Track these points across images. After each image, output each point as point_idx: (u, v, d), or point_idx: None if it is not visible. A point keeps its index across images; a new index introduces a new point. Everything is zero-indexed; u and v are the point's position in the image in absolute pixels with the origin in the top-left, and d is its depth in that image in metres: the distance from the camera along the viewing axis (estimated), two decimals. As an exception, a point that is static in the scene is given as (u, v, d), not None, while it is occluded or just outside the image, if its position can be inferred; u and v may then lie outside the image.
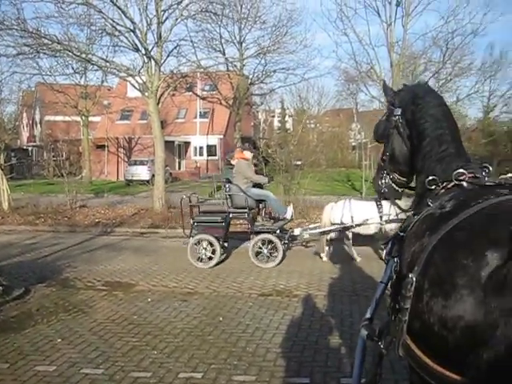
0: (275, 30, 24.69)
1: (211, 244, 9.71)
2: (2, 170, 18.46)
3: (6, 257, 10.17)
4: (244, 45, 27.56)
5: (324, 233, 10.07)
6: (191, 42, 19.99)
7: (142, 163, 32.77)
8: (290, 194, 15.87)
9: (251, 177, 10.27)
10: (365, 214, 9.64)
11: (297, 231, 10.27)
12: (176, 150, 41.39)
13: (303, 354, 5.28)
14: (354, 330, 5.58)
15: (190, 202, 10.29)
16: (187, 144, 42.87)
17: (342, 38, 22.83)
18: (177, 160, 41.97)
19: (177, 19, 17.54)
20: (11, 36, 15.79)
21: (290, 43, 24.66)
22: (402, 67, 22.91)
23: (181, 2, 16.98)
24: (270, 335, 5.87)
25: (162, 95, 18.14)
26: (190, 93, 29.01)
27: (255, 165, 12.09)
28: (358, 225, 9.69)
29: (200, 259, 9.73)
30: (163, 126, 26.16)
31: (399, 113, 2.76)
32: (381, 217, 9.48)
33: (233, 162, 10.83)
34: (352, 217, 9.75)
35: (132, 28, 16.55)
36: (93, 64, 18.82)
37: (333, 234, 10.18)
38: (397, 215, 8.81)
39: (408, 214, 2.78)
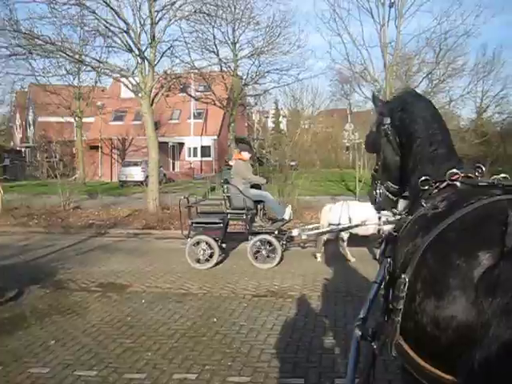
0: (269, 30, 24.74)
1: (209, 245, 9.69)
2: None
3: (-1, 258, 10.13)
4: (238, 45, 27.57)
5: (322, 234, 10.10)
6: (185, 42, 19.95)
7: (135, 164, 32.66)
8: (284, 195, 15.88)
9: (249, 177, 10.27)
10: (363, 215, 9.65)
11: (295, 232, 10.28)
12: (170, 150, 41.37)
13: (297, 354, 5.28)
14: (347, 330, 5.58)
15: (188, 202, 10.26)
16: (181, 145, 42.85)
17: (336, 38, 22.76)
18: (171, 161, 41.94)
19: (170, 20, 17.53)
20: (4, 37, 15.77)
21: (284, 44, 24.74)
22: (396, 68, 22.99)
23: (174, 2, 16.96)
24: (264, 336, 5.87)
25: (155, 96, 18.10)
26: (184, 94, 28.95)
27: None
28: (356, 226, 9.69)
29: (198, 260, 9.71)
30: (157, 126, 26.14)
31: (388, 121, 2.78)
32: (379, 218, 9.49)
33: (231, 163, 10.82)
34: (350, 218, 9.76)
35: (125, 29, 16.53)
36: (86, 65, 18.81)
37: (331, 235, 10.19)
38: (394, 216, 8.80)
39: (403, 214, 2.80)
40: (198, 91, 32.01)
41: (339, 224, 9.86)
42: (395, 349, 2.01)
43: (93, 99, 36.61)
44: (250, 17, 24.55)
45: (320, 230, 10.15)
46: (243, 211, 9.89)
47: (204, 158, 41.70)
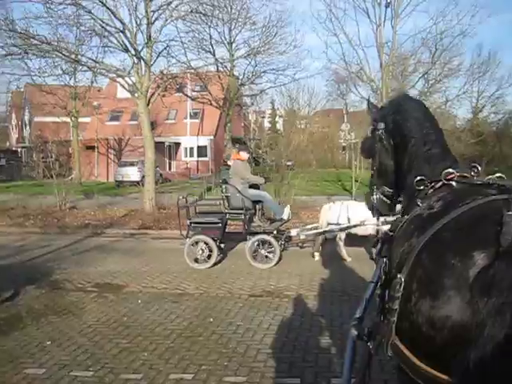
0: (265, 30, 24.72)
1: (208, 245, 9.69)
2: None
3: (-6, 259, 10.11)
4: (234, 45, 27.55)
5: (321, 234, 10.11)
6: (181, 42, 19.96)
7: (132, 164, 32.59)
8: (281, 195, 15.89)
9: (248, 177, 10.26)
10: (362, 215, 9.64)
11: (293, 232, 10.29)
12: (166, 150, 41.31)
13: (294, 354, 5.28)
14: (344, 330, 5.58)
15: (187, 202, 10.24)
16: (177, 145, 42.79)
17: (332, 38, 22.92)
18: (167, 161, 41.89)
19: (166, 20, 17.55)
20: (-1, 36, 15.73)
21: (280, 44, 24.73)
22: (392, 68, 23.05)
23: (170, 2, 16.99)
24: (260, 336, 5.87)
25: (151, 96, 18.11)
26: (180, 94, 28.92)
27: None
28: (355, 226, 9.67)
29: (197, 260, 9.71)
30: (153, 126, 26.07)
31: (382, 126, 2.82)
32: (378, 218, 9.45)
33: (229, 163, 10.81)
34: (349, 218, 9.76)
35: (121, 28, 16.53)
36: (82, 65, 18.79)
37: (329, 234, 10.19)
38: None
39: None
40: (194, 91, 31.99)
41: (338, 223, 9.87)
42: (391, 349, 2.01)
43: (89, 99, 36.53)
44: (246, 17, 24.58)
45: (319, 230, 10.16)
46: (242, 211, 9.88)
47: (200, 158, 41.64)
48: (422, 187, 2.41)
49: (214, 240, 9.75)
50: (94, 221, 15.78)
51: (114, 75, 18.49)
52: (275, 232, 10.02)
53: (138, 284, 8.47)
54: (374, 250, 3.12)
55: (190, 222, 10.00)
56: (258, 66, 27.16)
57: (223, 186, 10.14)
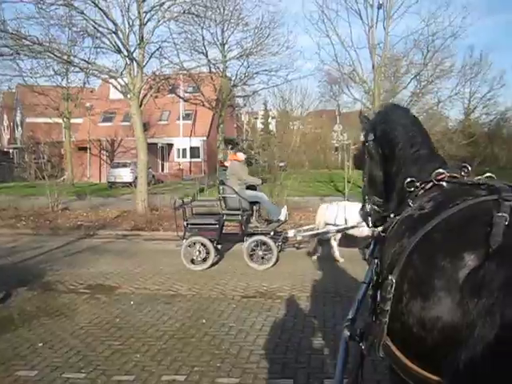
0: (258, 31, 24.73)
1: (205, 246, 9.68)
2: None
3: (-14, 260, 10.06)
4: (227, 46, 27.58)
5: (318, 234, 10.12)
6: (174, 43, 19.94)
7: (124, 165, 32.51)
8: (273, 196, 15.89)
9: (245, 178, 10.25)
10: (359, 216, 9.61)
11: (290, 233, 10.30)
12: (159, 152, 41.25)
13: (286, 355, 5.29)
14: (336, 331, 5.60)
15: (184, 203, 10.21)
16: (170, 146, 42.73)
17: (324, 39, 22.96)
18: (160, 162, 41.82)
19: (159, 21, 17.51)
20: (-10, 37, 15.64)
21: (273, 45, 24.72)
22: (384, 69, 23.14)
23: (163, 3, 16.95)
24: (253, 337, 5.87)
25: (144, 97, 18.08)
26: (173, 95, 28.90)
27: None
28: (352, 227, 9.65)
29: (193, 261, 9.69)
30: (146, 128, 26.04)
31: (371, 138, 2.87)
32: None
33: (226, 164, 10.80)
34: (346, 219, 9.73)
35: (114, 29, 16.49)
36: (74, 66, 18.72)
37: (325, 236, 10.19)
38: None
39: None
40: (186, 92, 32.00)
41: (335, 224, 9.87)
42: (383, 349, 2.02)
43: (81, 100, 36.41)
44: (238, 18, 24.59)
45: (315, 231, 10.18)
46: (239, 212, 9.86)
47: (193, 159, 41.60)
48: (412, 189, 2.42)
49: (211, 241, 9.74)
50: (86, 222, 15.72)
51: (107, 76, 18.44)
52: (272, 233, 10.02)
53: (131, 285, 8.45)
54: (367, 251, 3.14)
55: (187, 224, 9.98)
56: (251, 67, 27.23)
57: (220, 187, 10.13)
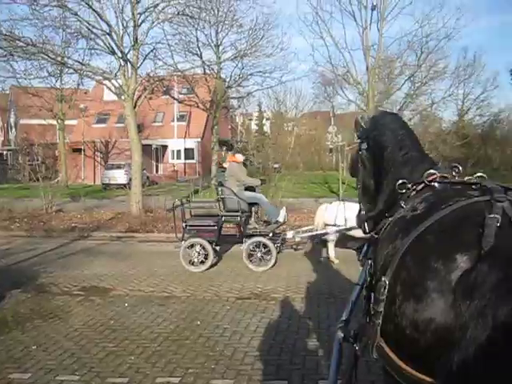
0: (252, 33, 24.70)
1: (204, 248, 9.66)
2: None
3: (-21, 263, 10.01)
4: (221, 48, 27.52)
5: (316, 236, 10.12)
6: (168, 45, 19.89)
7: (118, 167, 32.47)
8: (268, 197, 15.89)
9: (244, 179, 10.24)
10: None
11: (289, 234, 10.29)
12: (153, 153, 41.24)
13: (281, 356, 5.29)
14: (331, 332, 5.60)
15: (182, 205, 10.19)
16: (165, 147, 42.73)
17: (319, 41, 23.04)
18: (154, 163, 41.82)
19: (153, 22, 17.50)
20: (-17, 38, 15.58)
21: (267, 46, 24.71)
22: (378, 70, 23.20)
23: (157, 5, 16.94)
24: (247, 338, 5.87)
25: (138, 98, 18.05)
26: (167, 96, 28.86)
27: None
28: (350, 229, 9.61)
29: (192, 263, 9.67)
30: (140, 129, 25.97)
31: (365, 147, 2.89)
32: None
33: (225, 165, 10.79)
34: (346, 219, 9.64)
35: (108, 31, 16.46)
36: (68, 67, 18.65)
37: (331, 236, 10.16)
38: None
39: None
40: (181, 94, 31.95)
41: (335, 224, 9.86)
42: (376, 351, 2.03)
43: (75, 102, 36.29)
44: (233, 19, 24.54)
45: (314, 233, 10.19)
46: (238, 213, 9.85)
47: (187, 161, 41.61)
48: (404, 190, 2.42)
49: (210, 243, 9.73)
50: (80, 224, 15.68)
51: (101, 78, 18.41)
52: (271, 234, 10.01)
53: (125, 287, 8.43)
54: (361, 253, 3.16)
55: (186, 225, 9.96)
56: (245, 69, 27.17)
57: (219, 189, 10.12)
